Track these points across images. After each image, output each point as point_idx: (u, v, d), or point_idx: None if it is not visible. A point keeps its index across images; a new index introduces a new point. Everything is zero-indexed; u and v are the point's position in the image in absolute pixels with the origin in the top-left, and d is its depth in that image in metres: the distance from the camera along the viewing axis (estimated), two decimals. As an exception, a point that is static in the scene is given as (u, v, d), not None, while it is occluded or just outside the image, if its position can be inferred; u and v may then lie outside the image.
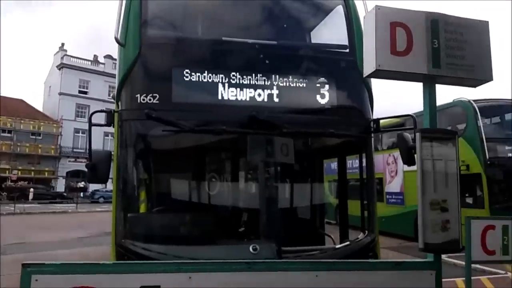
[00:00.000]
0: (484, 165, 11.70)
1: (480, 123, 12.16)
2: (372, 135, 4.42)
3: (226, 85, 4.01)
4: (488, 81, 2.49)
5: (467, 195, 12.82)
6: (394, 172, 15.15)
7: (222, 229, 4.34)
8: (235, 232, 4.56)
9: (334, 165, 7.42)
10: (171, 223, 4.20)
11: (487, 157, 11.51)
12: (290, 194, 5.34)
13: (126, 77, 3.96)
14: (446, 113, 12.97)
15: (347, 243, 4.34)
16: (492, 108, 13.24)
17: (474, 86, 2.62)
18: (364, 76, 2.47)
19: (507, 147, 12.27)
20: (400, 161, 16.03)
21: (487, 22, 2.51)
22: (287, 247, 3.86)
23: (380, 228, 4.58)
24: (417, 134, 2.38)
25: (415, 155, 2.35)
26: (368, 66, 2.40)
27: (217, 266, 2.29)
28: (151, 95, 3.79)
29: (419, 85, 2.51)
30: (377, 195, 4.77)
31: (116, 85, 4.22)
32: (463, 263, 10.00)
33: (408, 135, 4.07)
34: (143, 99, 3.78)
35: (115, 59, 4.74)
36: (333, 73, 4.31)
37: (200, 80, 3.94)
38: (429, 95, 2.46)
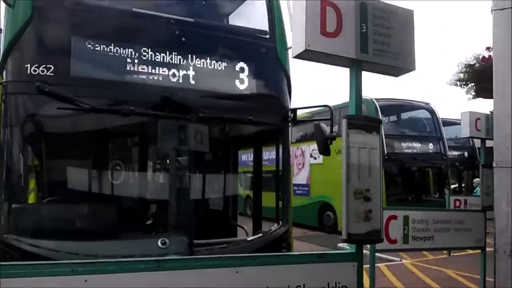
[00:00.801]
0: (382, 159, 12.60)
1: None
2: (290, 124, 4.34)
3: (136, 61, 3.60)
4: (410, 71, 2.50)
5: (366, 187, 13.76)
6: (301, 165, 15.68)
7: (126, 222, 3.94)
8: (141, 225, 4.17)
9: (245, 156, 7.39)
10: (66, 215, 3.70)
11: (385, 152, 12.41)
12: (202, 184, 5.08)
13: (14, 43, 3.33)
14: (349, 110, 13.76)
15: (260, 234, 4.23)
16: (391, 107, 14.34)
17: (397, 75, 2.61)
18: (292, 56, 2.31)
19: (402, 144, 13.39)
20: (307, 154, 16.82)
21: (412, 11, 2.51)
22: (198, 240, 3.62)
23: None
24: (343, 121, 2.28)
25: (343, 144, 2.23)
26: (297, 46, 2.24)
27: (119, 266, 1.94)
28: (44, 66, 3.23)
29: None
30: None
31: (1, 51, 3.54)
32: (365, 251, 10.72)
33: (324, 126, 4.05)
34: (34, 70, 3.21)
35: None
36: (252, 58, 4.15)
37: (106, 53, 3.47)
38: (356, 81, 2.38)
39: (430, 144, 13.91)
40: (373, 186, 2.29)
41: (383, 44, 2.39)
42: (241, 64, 4.04)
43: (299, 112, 4.54)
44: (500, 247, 1.90)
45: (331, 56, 2.28)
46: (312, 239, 12.68)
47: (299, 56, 2.27)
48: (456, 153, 16.37)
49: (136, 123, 3.77)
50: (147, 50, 3.64)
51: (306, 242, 11.58)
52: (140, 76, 3.59)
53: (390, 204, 12.37)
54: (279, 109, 4.23)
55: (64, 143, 3.92)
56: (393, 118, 15.34)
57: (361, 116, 2.38)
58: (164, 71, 3.70)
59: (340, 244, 11.96)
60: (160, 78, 3.66)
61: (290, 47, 4.67)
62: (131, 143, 4.72)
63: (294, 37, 2.28)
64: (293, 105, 4.43)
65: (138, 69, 3.59)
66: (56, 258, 2.96)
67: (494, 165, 2.06)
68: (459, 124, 17.76)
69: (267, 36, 4.37)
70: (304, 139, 15.55)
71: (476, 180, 14.57)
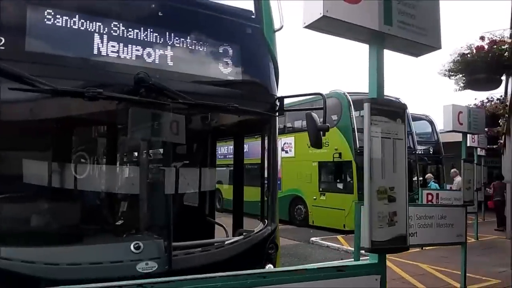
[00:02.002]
0: (354, 153, 12.51)
1: (353, 114, 12.98)
2: (277, 114, 3.94)
3: (105, 37, 3.06)
4: (435, 49, 2.16)
5: (338, 181, 13.66)
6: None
7: (93, 224, 3.43)
8: (111, 227, 3.66)
9: (223, 149, 6.96)
10: (21, 215, 3.14)
11: (357, 145, 12.29)
12: (179, 179, 4.61)
13: None
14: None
15: (247, 234, 3.83)
16: (362, 102, 14.23)
17: (419, 55, 2.26)
18: (303, 26, 1.90)
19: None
20: (279, 147, 16.51)
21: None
22: (176, 242, 3.17)
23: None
24: (366, 105, 1.90)
25: (365, 133, 1.85)
26: (311, 13, 1.82)
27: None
28: None
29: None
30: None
31: None
32: (344, 246, 10.53)
33: (316, 116, 3.70)
34: (-20, 43, 2.63)
35: None
36: (237, 39, 3.70)
37: (69, 26, 2.92)
38: (377, 58, 2.00)
39: (400, 138, 14.00)
40: (399, 183, 1.93)
41: (409, 16, 2.02)
42: (225, 45, 3.59)
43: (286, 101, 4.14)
44: None
45: (350, 27, 1.89)
46: (284, 233, 12.42)
47: (313, 26, 1.86)
48: (422, 148, 16.61)
49: (104, 108, 3.26)
50: (118, 25, 3.12)
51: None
52: (110, 54, 3.07)
53: (361, 198, 12.30)
54: (265, 96, 3.82)
55: (18, 131, 3.33)
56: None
57: (387, 100, 2.00)
58: (138, 50, 3.19)
59: (313, 238, 11.80)
60: (133, 58, 3.14)
61: (278, 30, 4.32)
62: (98, 132, 4.16)
63: (307, 2, 1.87)
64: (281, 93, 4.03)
65: (107, 46, 3.06)
66: (7, 268, 2.46)
67: None
68: (424, 119, 18.20)
69: (253, 17, 3.94)
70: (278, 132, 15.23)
71: (428, 175, 14.87)
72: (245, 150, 7.06)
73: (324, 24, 1.86)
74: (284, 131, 15.51)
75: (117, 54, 3.08)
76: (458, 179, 13.49)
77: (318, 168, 14.05)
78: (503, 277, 7.16)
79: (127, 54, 3.12)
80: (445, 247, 7.31)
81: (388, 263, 8.08)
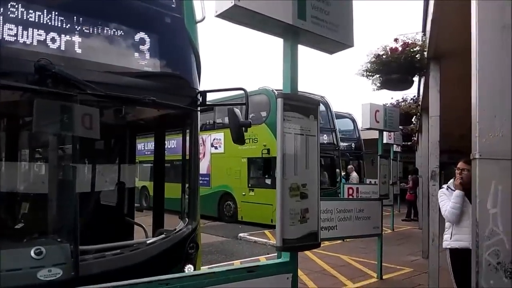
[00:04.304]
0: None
1: (281, 110, 13.20)
2: (199, 109, 3.80)
3: (1, 18, 2.72)
4: (348, 47, 2.17)
5: (267, 176, 13.84)
6: (202, 154, 15.21)
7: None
8: (8, 231, 3.29)
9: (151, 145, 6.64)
10: None
11: (285, 142, 12.51)
12: (91, 177, 4.29)
13: None
14: (250, 100, 13.68)
15: (165, 234, 3.65)
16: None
17: (333, 52, 2.26)
18: (215, 15, 1.80)
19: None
20: (208, 143, 16.32)
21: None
22: (85, 246, 2.92)
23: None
24: (279, 100, 1.85)
25: (278, 129, 1.80)
26: (223, 1, 1.73)
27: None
28: None
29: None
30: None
31: None
32: (271, 241, 10.62)
33: (238, 111, 3.62)
34: None
35: None
36: (155, 28, 3.49)
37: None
38: (291, 53, 1.96)
39: (324, 135, 14.60)
40: (311, 180, 1.91)
41: (322, 12, 2.01)
42: (142, 33, 3.36)
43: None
44: (483, 259, 1.68)
45: (264, 19, 1.82)
46: (213, 230, 12.34)
47: (224, 15, 1.77)
48: (344, 144, 17.43)
49: (3, 99, 2.91)
50: (16, 5, 2.78)
51: (207, 234, 11.18)
52: (7, 39, 2.73)
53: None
54: (186, 90, 3.66)
55: None
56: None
57: (300, 96, 1.97)
58: (41, 35, 2.87)
59: (241, 234, 11.85)
60: (35, 43, 2.82)
61: (200, 21, 4.17)
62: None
63: (219, -10, 1.77)
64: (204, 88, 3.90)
65: (4, 29, 2.72)
66: None
67: (477, 156, 1.82)
68: (347, 117, 19.09)
69: (173, 6, 3.76)
70: (205, 128, 15.07)
71: (350, 167, 15.83)
72: (172, 146, 6.82)
73: (236, 14, 1.77)
74: (214, 127, 15.37)
75: (15, 38, 2.74)
76: (354, 174, 15.26)
77: (247, 164, 14.11)
78: (415, 265, 7.71)
79: (27, 39, 2.80)
80: (365, 238, 7.69)
81: (311, 256, 8.36)
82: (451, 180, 4.26)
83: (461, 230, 3.98)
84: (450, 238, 4.09)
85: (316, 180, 1.94)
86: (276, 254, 7.17)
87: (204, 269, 4.48)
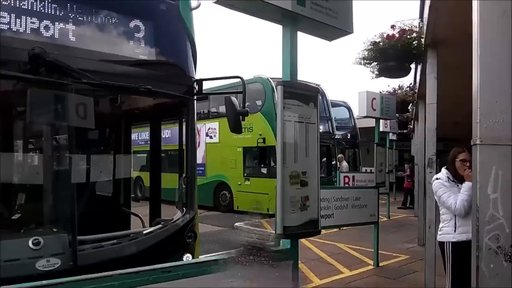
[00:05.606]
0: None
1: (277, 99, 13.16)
2: (195, 97, 3.76)
3: (-7, 6, 2.66)
4: (348, 34, 2.15)
5: (262, 165, 13.85)
6: (197, 144, 15.14)
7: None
8: (6, 222, 3.27)
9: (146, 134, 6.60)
10: None
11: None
12: (87, 166, 4.25)
13: None
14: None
15: (162, 224, 3.64)
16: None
17: (332, 39, 2.24)
18: (213, 1, 1.76)
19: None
20: (203, 132, 16.26)
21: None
22: (83, 236, 2.91)
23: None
24: (279, 88, 1.83)
25: (278, 117, 1.78)
26: (221, -14, 1.70)
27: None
28: None
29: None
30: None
31: None
32: (268, 230, 10.65)
33: (235, 100, 3.59)
34: None
35: None
36: (150, 15, 3.43)
37: None
38: (291, 40, 1.94)
39: (320, 124, 14.55)
40: (311, 168, 1.90)
41: (321, -3, 1.98)
42: (136, 21, 3.32)
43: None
44: (483, 243, 1.69)
45: (263, 5, 1.79)
46: (208, 220, 12.36)
47: (223, 1, 1.74)
48: (340, 133, 17.46)
49: None
50: None
51: (203, 224, 11.18)
52: (0, 27, 2.67)
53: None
54: (182, 78, 3.62)
55: None
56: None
57: (300, 83, 1.95)
58: (34, 23, 2.81)
59: (237, 224, 11.89)
60: (28, 31, 2.77)
61: (195, 8, 4.11)
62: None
63: (217, -25, 1.74)
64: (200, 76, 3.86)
65: None
66: None
67: (477, 142, 1.82)
68: (342, 105, 19.08)
69: (167, -9, 3.69)
70: (199, 117, 15.01)
71: (340, 156, 15.82)
72: (168, 136, 6.77)
73: (235, 0, 1.74)
74: (209, 116, 15.31)
75: (8, 26, 2.69)
76: (344, 163, 15.52)
77: (242, 154, 14.10)
78: (411, 253, 7.79)
79: (20, 27, 2.74)
80: (361, 226, 7.74)
81: (308, 244, 8.41)
82: (445, 170, 4.03)
83: (468, 222, 3.54)
84: (455, 231, 3.82)
85: (316, 168, 1.93)
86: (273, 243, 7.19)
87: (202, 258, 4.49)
